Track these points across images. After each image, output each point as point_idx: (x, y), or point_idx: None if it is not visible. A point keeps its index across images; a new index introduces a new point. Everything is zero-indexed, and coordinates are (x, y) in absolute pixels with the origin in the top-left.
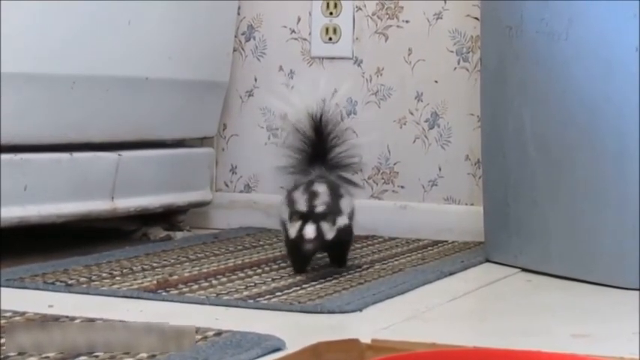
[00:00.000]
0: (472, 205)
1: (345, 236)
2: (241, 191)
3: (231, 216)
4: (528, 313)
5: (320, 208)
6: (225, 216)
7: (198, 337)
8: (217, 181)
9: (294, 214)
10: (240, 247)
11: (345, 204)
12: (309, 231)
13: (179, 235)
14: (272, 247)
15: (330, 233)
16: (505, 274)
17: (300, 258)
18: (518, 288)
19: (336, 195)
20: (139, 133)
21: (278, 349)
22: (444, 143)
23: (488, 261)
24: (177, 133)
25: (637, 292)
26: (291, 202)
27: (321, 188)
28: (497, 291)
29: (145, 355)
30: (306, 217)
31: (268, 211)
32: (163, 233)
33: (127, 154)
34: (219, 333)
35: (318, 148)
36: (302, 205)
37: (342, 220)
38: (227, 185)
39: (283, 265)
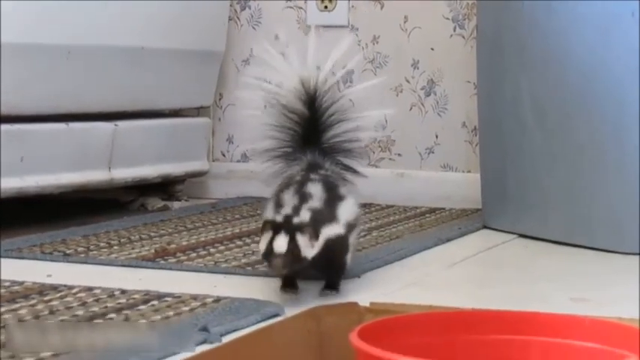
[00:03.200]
0: (469, 172)
1: (336, 251)
2: (238, 161)
3: (228, 185)
4: (526, 278)
5: (301, 216)
6: (222, 186)
7: (197, 303)
8: (214, 150)
9: (267, 223)
10: (237, 216)
11: (344, 209)
12: (280, 244)
13: (177, 204)
14: None
15: (308, 249)
16: (502, 241)
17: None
18: (516, 254)
19: (333, 198)
20: (135, 103)
21: (276, 315)
22: (440, 111)
23: (485, 227)
24: (174, 102)
25: (635, 257)
26: (275, 204)
27: (315, 189)
28: (495, 257)
29: (143, 321)
30: (278, 227)
31: (266, 180)
32: (161, 203)
33: (123, 124)
34: (217, 300)
35: (311, 127)
36: (271, 212)
37: (333, 230)
38: (224, 155)
39: None
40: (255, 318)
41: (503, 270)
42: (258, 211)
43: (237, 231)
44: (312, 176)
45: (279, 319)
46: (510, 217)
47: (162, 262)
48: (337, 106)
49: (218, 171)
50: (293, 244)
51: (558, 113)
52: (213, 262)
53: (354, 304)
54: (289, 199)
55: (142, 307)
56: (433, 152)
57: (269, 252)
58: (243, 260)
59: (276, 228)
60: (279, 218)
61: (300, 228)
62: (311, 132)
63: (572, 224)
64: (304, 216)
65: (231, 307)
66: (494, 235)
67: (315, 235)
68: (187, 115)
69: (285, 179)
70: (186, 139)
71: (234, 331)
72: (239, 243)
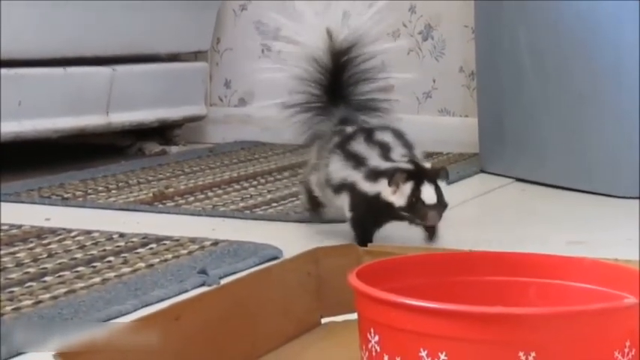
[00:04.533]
0: (467, 116)
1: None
2: (236, 105)
3: (226, 130)
4: (524, 221)
5: (423, 162)
6: (220, 130)
7: (195, 246)
8: (212, 95)
9: (398, 172)
10: (235, 161)
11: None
12: (430, 194)
13: (174, 149)
14: (267, 160)
15: (446, 195)
16: (500, 184)
17: (374, 222)
18: (513, 197)
19: (409, 145)
20: (132, 47)
21: (275, 258)
22: (437, 55)
23: (483, 171)
24: (171, 47)
25: (633, 201)
26: (352, 154)
27: (388, 137)
28: (492, 200)
29: (142, 264)
30: (417, 175)
31: (263, 124)
32: (158, 148)
33: (121, 68)
34: (216, 243)
35: (340, 81)
36: (398, 152)
37: None
38: (221, 100)
39: (279, 177)
40: (253, 260)
41: (500, 213)
42: (256, 155)
43: (235, 175)
44: (376, 125)
45: (277, 261)
46: (508, 161)
47: (160, 205)
48: (366, 63)
49: (215, 115)
50: (439, 192)
51: (556, 58)
52: (211, 206)
53: (353, 246)
54: (372, 148)
55: (140, 250)
56: (430, 97)
57: (415, 203)
58: (242, 204)
59: (415, 177)
60: (404, 166)
61: (437, 174)
62: (340, 86)
63: (569, 168)
64: (424, 162)
65: (229, 250)
66: (492, 179)
67: (448, 179)
68: (185, 59)
69: (320, 133)
70: (184, 83)
71: (233, 273)
72: (237, 187)
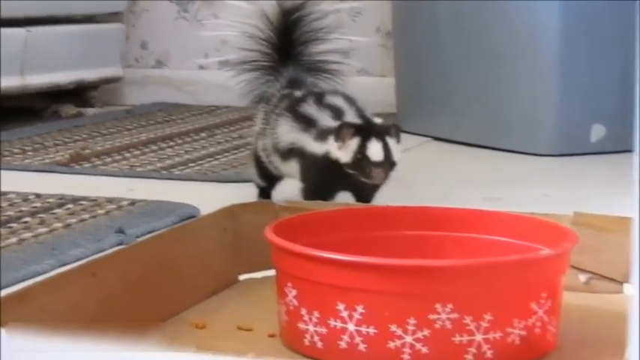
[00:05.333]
0: (384, 76)
1: None
2: (153, 67)
3: (143, 92)
4: (441, 179)
5: (375, 120)
6: (137, 92)
7: (113, 206)
8: (128, 57)
9: (345, 127)
10: (152, 122)
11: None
12: (377, 151)
13: (91, 111)
14: (184, 121)
15: (397, 154)
16: (417, 143)
17: (326, 187)
18: (431, 156)
19: (360, 109)
20: (47, 8)
21: (193, 216)
22: (354, 15)
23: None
24: (87, 8)
25: (550, 158)
26: (302, 116)
27: (339, 101)
28: (409, 159)
29: (59, 225)
30: (365, 131)
31: (180, 86)
32: (75, 110)
33: (36, 29)
34: (133, 203)
35: (289, 41)
36: (351, 116)
37: None
38: (138, 61)
39: (196, 138)
40: (171, 219)
41: (417, 172)
42: (173, 117)
43: (152, 136)
44: (326, 89)
45: (195, 219)
46: (425, 120)
47: (77, 167)
48: (316, 22)
49: (132, 77)
50: (387, 149)
51: (472, 16)
52: (128, 167)
53: (270, 203)
54: (323, 111)
55: (57, 210)
56: (348, 57)
57: (361, 160)
58: (159, 164)
59: (362, 132)
60: (351, 121)
61: (387, 130)
62: (289, 46)
63: (487, 127)
64: (376, 120)
65: (147, 210)
66: (409, 138)
67: (399, 138)
68: (101, 21)
69: (266, 95)
70: (100, 45)
71: (151, 232)
72: (154, 148)
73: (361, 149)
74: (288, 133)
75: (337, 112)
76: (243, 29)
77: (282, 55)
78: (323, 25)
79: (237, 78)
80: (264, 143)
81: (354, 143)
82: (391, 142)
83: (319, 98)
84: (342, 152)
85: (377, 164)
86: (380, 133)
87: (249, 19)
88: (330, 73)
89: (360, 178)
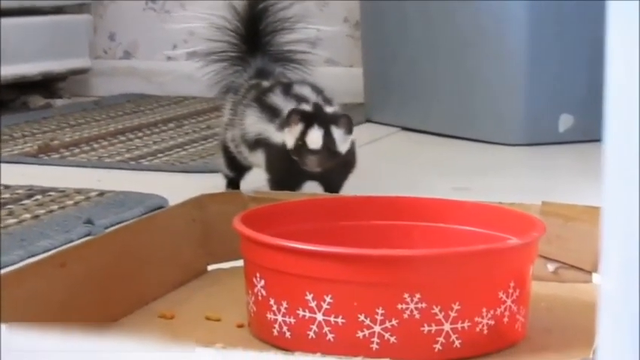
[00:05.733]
0: (352, 66)
1: (354, 151)
2: (121, 58)
3: (111, 83)
4: (410, 169)
5: (330, 108)
6: (105, 83)
7: (81, 197)
8: (96, 48)
9: (294, 113)
10: (120, 113)
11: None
12: (314, 139)
13: (59, 102)
14: (152, 112)
15: (343, 145)
16: (386, 134)
17: (291, 177)
18: (399, 146)
19: (328, 100)
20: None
21: (161, 207)
22: (322, 5)
23: (368, 121)
24: None
25: (517, 148)
26: (268, 107)
27: (306, 91)
28: (378, 149)
29: (28, 216)
30: (309, 118)
31: (149, 77)
32: (43, 101)
33: (3, 21)
34: (102, 193)
35: (256, 31)
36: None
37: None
38: (106, 52)
39: (164, 128)
40: (139, 210)
41: (386, 162)
42: (141, 108)
43: (121, 127)
44: (294, 79)
45: (163, 209)
46: (393, 110)
47: (45, 158)
48: (283, 11)
49: (100, 68)
50: (329, 138)
51: (440, 5)
52: (96, 158)
53: (239, 193)
54: (289, 101)
55: (25, 201)
56: (315, 47)
57: (301, 146)
58: (127, 155)
59: (307, 119)
60: (300, 108)
61: (335, 120)
62: (257, 36)
63: (454, 116)
64: (333, 108)
65: (115, 201)
66: (378, 129)
67: (349, 129)
68: (68, 11)
69: (234, 86)
70: (68, 36)
71: (119, 223)
72: (122, 139)
73: (302, 136)
74: (254, 123)
75: (303, 102)
76: (210, 20)
77: (250, 45)
78: (290, 15)
79: (205, 69)
80: (233, 134)
81: (297, 129)
82: (337, 131)
83: (287, 88)
84: (288, 137)
85: (313, 151)
86: (325, 121)
87: (216, 10)
88: (297, 63)
89: (301, 165)
